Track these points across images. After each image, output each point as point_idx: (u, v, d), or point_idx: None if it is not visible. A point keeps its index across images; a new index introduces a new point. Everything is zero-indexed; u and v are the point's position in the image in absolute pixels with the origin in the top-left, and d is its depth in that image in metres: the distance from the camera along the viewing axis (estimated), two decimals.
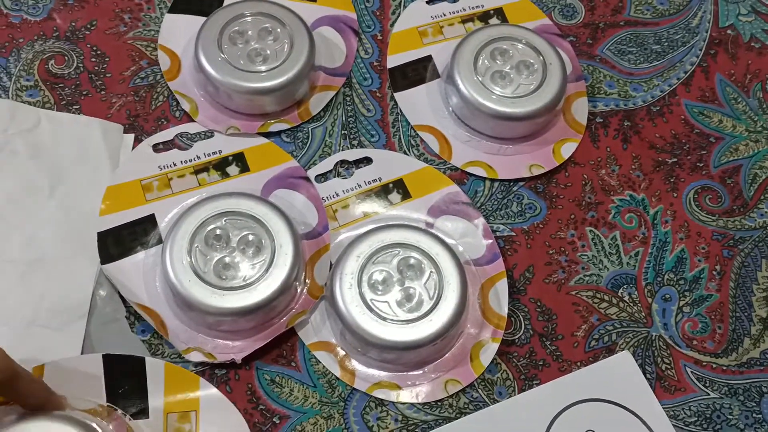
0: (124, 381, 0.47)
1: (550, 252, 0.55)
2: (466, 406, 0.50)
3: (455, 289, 0.50)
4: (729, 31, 0.65)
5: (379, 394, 0.49)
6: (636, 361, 0.51)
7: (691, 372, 0.52)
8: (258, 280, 0.49)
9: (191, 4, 0.61)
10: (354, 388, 0.49)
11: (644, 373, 0.51)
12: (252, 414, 0.48)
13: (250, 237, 0.50)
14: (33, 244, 0.51)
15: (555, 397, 0.50)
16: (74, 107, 0.56)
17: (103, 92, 0.57)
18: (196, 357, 0.49)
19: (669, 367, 0.52)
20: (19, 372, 0.41)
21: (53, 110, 0.56)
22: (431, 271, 0.50)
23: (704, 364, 0.52)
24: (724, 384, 0.51)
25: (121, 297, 0.50)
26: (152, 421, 0.46)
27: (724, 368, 0.52)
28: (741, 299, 0.54)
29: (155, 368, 0.48)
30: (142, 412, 0.47)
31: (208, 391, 0.48)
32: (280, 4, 0.59)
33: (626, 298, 0.54)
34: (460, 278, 0.50)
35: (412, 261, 0.50)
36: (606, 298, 0.54)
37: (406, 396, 0.49)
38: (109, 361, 0.48)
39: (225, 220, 0.50)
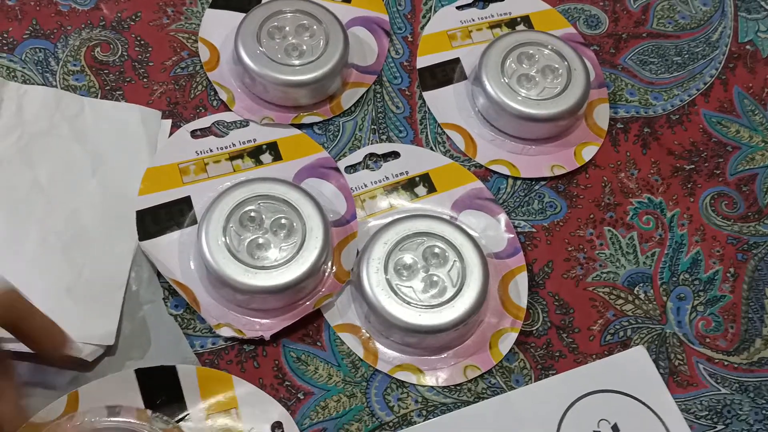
0: (160, 392, 0.48)
1: (569, 249, 0.57)
2: (484, 391, 0.51)
3: (477, 278, 0.51)
4: (748, 47, 0.67)
5: (401, 376, 0.51)
6: (650, 356, 0.53)
7: (704, 368, 0.53)
8: (288, 261, 0.51)
9: (231, 0, 0.64)
10: (377, 370, 0.51)
11: (657, 368, 0.52)
12: (278, 389, 0.50)
13: (283, 220, 0.52)
14: (75, 219, 0.53)
15: (570, 386, 0.51)
16: (117, 92, 0.59)
17: (145, 80, 0.60)
18: (226, 332, 0.50)
19: (682, 362, 0.53)
20: (26, 312, 0.41)
21: (98, 94, 0.58)
22: (455, 260, 0.52)
23: (716, 361, 0.53)
24: (735, 381, 0.53)
25: (159, 278, 0.52)
26: (196, 425, 0.47)
27: (736, 366, 0.53)
28: (753, 301, 0.56)
29: (188, 374, 0.49)
30: (184, 420, 0.47)
31: (243, 389, 0.49)
32: (317, 3, 0.61)
33: (642, 296, 0.55)
34: (482, 268, 0.52)
35: (436, 250, 0.52)
36: (622, 295, 0.55)
37: (426, 379, 0.51)
38: (142, 374, 0.48)
39: (259, 203, 0.52)
